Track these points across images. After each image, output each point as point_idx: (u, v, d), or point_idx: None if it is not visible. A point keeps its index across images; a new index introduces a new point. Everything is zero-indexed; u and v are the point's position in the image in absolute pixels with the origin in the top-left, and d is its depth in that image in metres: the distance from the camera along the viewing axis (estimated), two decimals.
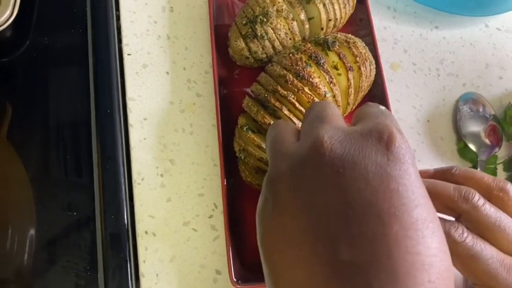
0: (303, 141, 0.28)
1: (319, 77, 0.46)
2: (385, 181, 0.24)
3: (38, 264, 0.42)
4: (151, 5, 0.57)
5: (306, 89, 0.45)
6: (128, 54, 0.54)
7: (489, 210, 0.31)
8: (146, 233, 0.47)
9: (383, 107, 0.32)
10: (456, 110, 0.58)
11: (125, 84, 0.53)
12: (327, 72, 0.46)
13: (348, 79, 0.47)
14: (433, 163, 0.55)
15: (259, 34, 0.50)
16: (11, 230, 0.43)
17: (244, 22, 0.51)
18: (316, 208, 0.24)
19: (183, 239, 0.47)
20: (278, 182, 0.27)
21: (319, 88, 0.45)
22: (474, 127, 0.57)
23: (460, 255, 0.30)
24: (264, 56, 0.51)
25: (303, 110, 0.45)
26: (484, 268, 0.30)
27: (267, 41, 0.50)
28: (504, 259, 0.31)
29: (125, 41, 0.55)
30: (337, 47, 0.47)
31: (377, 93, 0.53)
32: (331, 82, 0.46)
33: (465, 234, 0.31)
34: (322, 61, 0.46)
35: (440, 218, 0.27)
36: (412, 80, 0.59)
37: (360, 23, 0.57)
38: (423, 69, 0.60)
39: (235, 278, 0.43)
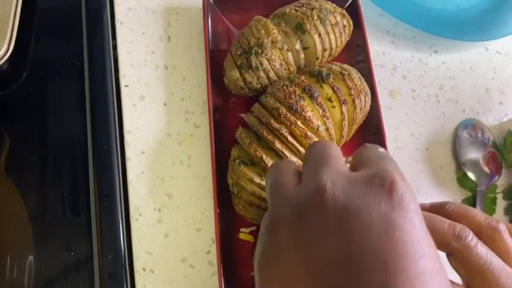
0: (305, 186, 0.28)
1: (312, 111, 0.46)
2: (390, 230, 0.23)
3: None
4: (148, 34, 0.57)
5: (299, 123, 0.45)
6: (126, 86, 0.54)
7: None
8: (144, 270, 0.47)
9: (382, 150, 0.32)
10: (455, 137, 0.58)
11: (122, 117, 0.53)
12: (321, 106, 0.46)
13: (342, 112, 0.47)
14: (432, 193, 0.55)
15: (254, 65, 0.50)
16: (9, 270, 0.43)
17: (239, 53, 0.51)
18: (318, 257, 0.24)
19: (181, 276, 0.47)
20: (278, 229, 0.26)
21: (312, 122, 0.45)
22: (473, 154, 0.57)
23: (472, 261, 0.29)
24: (259, 86, 0.51)
25: (296, 144, 0.45)
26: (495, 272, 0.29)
27: (261, 72, 0.50)
28: None
29: (122, 72, 0.55)
30: (332, 79, 0.47)
31: (373, 123, 0.52)
32: (324, 115, 0.46)
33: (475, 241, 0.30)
34: (315, 94, 0.46)
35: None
36: (411, 107, 0.59)
37: (356, 49, 0.57)
38: (422, 96, 0.59)
39: None
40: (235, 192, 0.46)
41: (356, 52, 0.57)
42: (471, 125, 0.59)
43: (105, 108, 0.50)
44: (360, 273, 0.22)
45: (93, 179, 0.47)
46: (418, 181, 0.55)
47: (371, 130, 0.53)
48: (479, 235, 0.32)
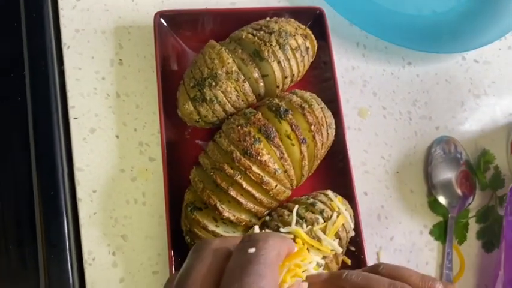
0: None
1: (268, 153, 0.43)
2: None
3: None
4: (98, 58, 0.53)
5: (254, 168, 0.42)
6: (74, 118, 0.51)
7: None
8: None
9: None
10: (428, 157, 0.55)
11: (71, 153, 0.49)
12: (278, 147, 0.43)
13: (301, 152, 0.44)
14: (402, 219, 0.53)
15: (208, 98, 0.46)
16: None
17: (192, 84, 0.47)
18: None
19: None
20: None
21: (268, 166, 0.43)
22: (446, 173, 0.54)
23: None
24: (216, 119, 0.48)
25: (251, 191, 0.43)
26: None
27: (217, 105, 0.47)
28: None
29: (70, 102, 0.51)
30: (290, 116, 0.44)
31: (338, 149, 0.50)
32: (282, 157, 0.43)
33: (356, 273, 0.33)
34: (272, 135, 0.43)
35: None
36: (381, 127, 0.56)
37: (323, 66, 0.53)
38: (394, 114, 0.56)
39: None
40: (189, 240, 0.44)
41: (323, 70, 0.53)
42: (445, 141, 0.56)
43: (51, 149, 0.47)
44: None
45: (39, 228, 0.45)
46: (388, 207, 0.53)
47: (338, 157, 0.50)
48: None
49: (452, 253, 0.52)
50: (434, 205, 0.53)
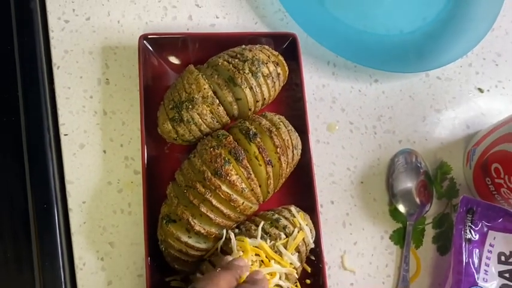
0: None
1: (237, 174, 0.48)
2: None
3: None
4: (86, 78, 0.57)
5: (224, 187, 0.47)
6: (65, 135, 0.55)
7: None
8: None
9: None
10: (390, 168, 0.60)
11: (63, 167, 0.54)
12: (246, 168, 0.48)
13: (267, 172, 0.49)
14: (364, 225, 0.58)
15: (185, 119, 0.51)
16: None
17: (171, 106, 0.51)
18: None
19: None
20: None
21: (236, 185, 0.47)
22: (407, 183, 0.60)
23: None
24: (192, 137, 0.52)
25: (220, 207, 0.47)
26: None
27: (193, 126, 0.51)
28: None
29: (61, 120, 0.55)
30: (258, 139, 0.49)
31: (304, 165, 0.54)
32: (249, 177, 0.48)
33: None
34: (241, 157, 0.48)
35: None
36: (348, 141, 0.60)
37: (295, 88, 0.58)
38: (360, 128, 0.61)
39: None
40: (164, 249, 0.49)
41: (295, 91, 0.57)
42: (407, 153, 0.61)
43: (44, 164, 0.52)
44: None
45: (34, 238, 0.50)
46: (352, 215, 0.58)
47: (303, 173, 0.55)
48: None
49: (409, 256, 0.57)
50: (394, 213, 0.59)
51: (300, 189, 0.55)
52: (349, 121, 0.61)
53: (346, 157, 0.60)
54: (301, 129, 0.54)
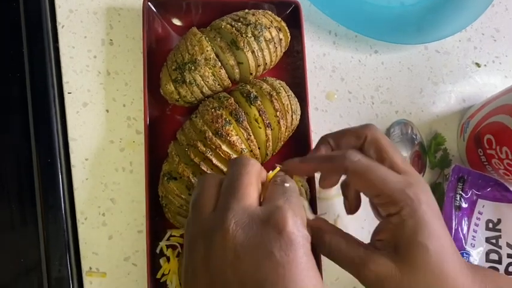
0: (217, 215, 0.33)
1: (237, 135, 0.49)
2: (275, 267, 0.30)
3: None
4: (90, 38, 0.58)
5: (224, 147, 0.49)
6: (69, 93, 0.56)
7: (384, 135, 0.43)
8: (90, 268, 0.53)
9: (288, 184, 0.37)
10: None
11: (66, 124, 0.55)
12: (246, 130, 0.49)
13: (266, 134, 0.50)
14: None
15: (187, 80, 0.52)
16: None
17: (173, 67, 0.52)
18: (219, 283, 0.31)
19: (124, 273, 0.53)
20: (194, 249, 0.33)
21: (236, 146, 0.49)
22: (401, 152, 0.61)
23: (359, 171, 0.38)
24: (194, 99, 0.53)
25: (220, 166, 0.49)
26: (377, 176, 0.38)
27: (195, 87, 0.52)
28: (390, 171, 0.39)
29: (65, 78, 0.56)
30: (259, 102, 0.50)
31: (301, 132, 0.56)
32: (248, 139, 0.49)
33: (359, 156, 0.39)
34: (241, 119, 0.49)
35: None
36: (346, 109, 0.62)
37: (296, 55, 0.59)
38: (358, 98, 0.62)
39: None
40: (164, 204, 0.51)
41: (296, 58, 0.58)
42: (403, 124, 0.63)
43: (48, 120, 0.53)
44: None
45: (38, 192, 0.51)
46: None
47: (301, 138, 0.56)
48: None
49: None
50: None
51: (297, 153, 0.56)
52: (348, 90, 0.62)
53: (343, 125, 0.61)
54: (301, 96, 0.55)
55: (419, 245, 0.35)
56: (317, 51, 0.62)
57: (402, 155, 0.41)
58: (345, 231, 0.40)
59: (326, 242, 0.40)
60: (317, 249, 0.41)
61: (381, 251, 0.37)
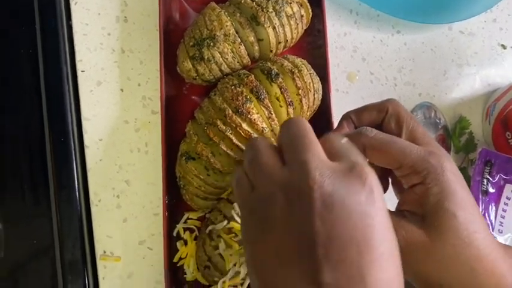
0: (293, 170, 0.31)
1: (258, 113, 0.47)
2: (363, 218, 0.29)
3: None
4: (104, 15, 0.56)
5: (244, 125, 0.47)
6: (82, 71, 0.54)
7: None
8: (104, 252, 0.51)
9: (345, 140, 0.36)
10: None
11: (79, 103, 0.53)
12: (267, 107, 0.47)
13: (288, 113, 0.48)
14: None
15: (206, 57, 0.50)
16: None
17: (191, 43, 0.50)
18: (305, 235, 0.29)
19: (139, 257, 0.52)
20: (271, 204, 0.31)
21: (257, 124, 0.47)
22: None
23: (376, 146, 0.38)
24: (212, 77, 0.51)
25: (240, 145, 0.47)
26: (396, 148, 0.37)
27: (214, 64, 0.50)
28: (410, 143, 0.38)
29: (78, 56, 0.54)
30: (280, 80, 0.48)
31: (323, 113, 0.54)
32: (270, 117, 0.47)
33: (374, 131, 0.39)
34: (262, 96, 0.47)
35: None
36: (368, 91, 0.60)
37: (317, 34, 0.56)
38: (380, 79, 0.60)
39: None
40: (182, 185, 0.49)
41: (317, 37, 0.56)
42: (426, 107, 0.60)
43: (61, 98, 0.51)
44: (337, 253, 0.28)
45: (51, 172, 0.49)
46: None
47: (322, 120, 0.54)
48: None
49: None
50: None
51: (318, 136, 0.54)
52: (370, 71, 0.60)
53: None
54: (322, 76, 0.53)
55: (447, 211, 0.35)
56: (338, 31, 0.60)
57: (423, 128, 0.40)
58: None
59: None
60: None
61: (409, 218, 0.37)
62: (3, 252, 0.47)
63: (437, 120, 0.60)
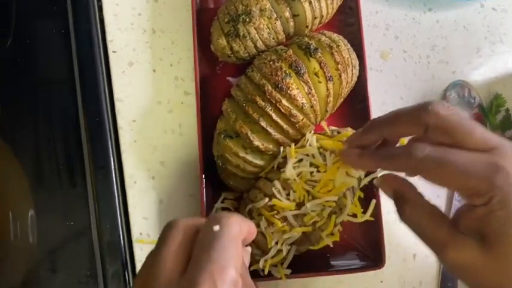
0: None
1: (297, 88, 0.46)
2: None
3: (41, 274, 0.46)
4: None
5: (284, 101, 0.46)
6: (113, 52, 0.53)
7: (450, 112, 0.34)
8: (141, 234, 0.50)
9: (217, 228, 0.31)
10: (443, 99, 0.59)
11: (111, 84, 0.53)
12: (306, 83, 0.46)
13: (328, 88, 0.47)
14: None
15: (241, 34, 0.49)
16: (12, 241, 0.46)
17: (226, 20, 0.49)
18: None
19: None
20: None
21: (297, 100, 0.46)
22: None
23: (430, 169, 0.33)
24: (247, 55, 0.51)
25: (280, 122, 0.46)
26: (454, 169, 0.32)
27: (249, 41, 0.49)
28: (470, 155, 0.33)
29: (109, 37, 0.54)
30: (319, 54, 0.47)
31: (360, 91, 0.53)
32: (309, 93, 0.46)
33: (426, 149, 0.34)
34: (302, 71, 0.46)
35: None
36: (401, 69, 0.59)
37: (349, 11, 0.55)
38: (413, 57, 0.59)
39: None
40: (220, 164, 0.48)
41: (348, 15, 0.55)
42: (459, 86, 0.59)
43: (94, 78, 0.50)
44: None
45: (87, 151, 0.49)
46: None
47: (358, 98, 0.53)
48: None
49: None
50: None
51: (355, 114, 0.54)
52: (403, 49, 0.59)
53: (399, 86, 0.58)
54: (357, 54, 0.52)
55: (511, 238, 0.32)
56: (369, 9, 0.59)
57: (480, 126, 0.34)
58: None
59: (407, 213, 0.37)
60: (398, 216, 0.38)
61: (465, 235, 0.34)
62: (40, 235, 0.46)
63: (472, 100, 0.59)
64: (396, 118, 0.38)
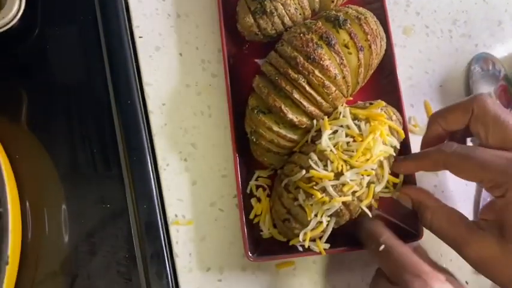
0: None
1: (329, 59, 0.46)
2: None
3: (80, 256, 0.45)
4: None
5: (317, 72, 0.45)
6: (140, 37, 0.54)
7: (494, 105, 0.40)
8: (176, 216, 0.50)
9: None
10: (468, 73, 0.59)
11: (140, 69, 0.53)
12: (338, 54, 0.46)
13: (359, 59, 0.47)
14: None
15: (268, 10, 0.49)
16: (48, 226, 0.45)
17: None
18: None
19: (211, 219, 0.50)
20: None
21: (329, 71, 0.46)
22: (486, 88, 0.58)
23: (456, 163, 0.39)
24: (274, 32, 0.51)
25: (313, 94, 0.46)
26: (476, 162, 0.37)
27: (276, 17, 0.49)
28: (494, 152, 0.38)
29: (135, 22, 0.54)
30: (349, 25, 0.47)
31: (386, 65, 0.53)
32: (341, 63, 0.46)
33: (454, 146, 0.40)
34: (333, 42, 0.46)
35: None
36: (424, 44, 0.59)
37: None
38: (436, 32, 0.59)
39: (250, 253, 0.46)
40: (254, 140, 0.48)
41: None
42: (483, 59, 0.59)
43: (124, 62, 0.50)
44: None
45: (120, 133, 0.48)
46: None
47: (385, 73, 0.53)
48: None
49: None
50: None
51: (383, 88, 0.53)
52: (425, 25, 0.59)
53: (423, 61, 0.58)
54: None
55: None
56: None
57: None
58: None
59: (428, 219, 0.42)
60: (420, 222, 0.44)
61: (485, 231, 0.37)
62: (78, 219, 0.46)
63: (497, 73, 0.59)
64: (448, 108, 0.44)
